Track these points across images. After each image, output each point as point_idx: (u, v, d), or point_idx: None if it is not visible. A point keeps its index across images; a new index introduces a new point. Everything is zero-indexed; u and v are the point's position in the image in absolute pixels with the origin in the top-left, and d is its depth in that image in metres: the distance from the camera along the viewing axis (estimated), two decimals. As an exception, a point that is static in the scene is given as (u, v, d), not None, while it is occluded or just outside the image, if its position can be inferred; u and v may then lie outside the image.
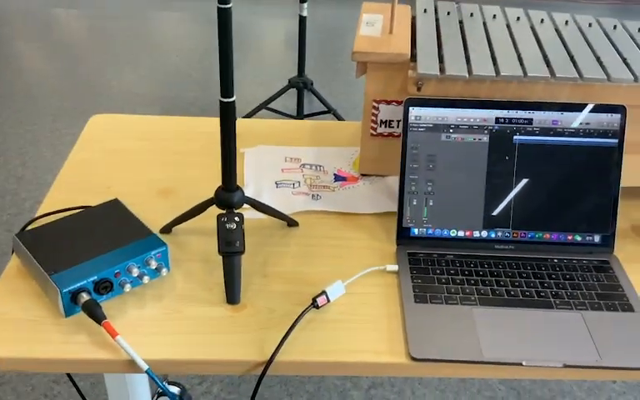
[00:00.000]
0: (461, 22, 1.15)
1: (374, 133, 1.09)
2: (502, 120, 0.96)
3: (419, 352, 0.80)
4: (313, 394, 1.77)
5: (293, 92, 3.00)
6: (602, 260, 0.96)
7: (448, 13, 1.18)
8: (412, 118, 0.96)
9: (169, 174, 1.11)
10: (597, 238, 0.97)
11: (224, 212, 0.88)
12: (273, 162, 1.16)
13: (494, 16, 1.17)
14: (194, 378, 1.79)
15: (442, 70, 1.00)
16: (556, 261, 0.95)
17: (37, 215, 0.99)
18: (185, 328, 0.82)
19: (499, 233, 0.97)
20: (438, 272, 0.92)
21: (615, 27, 1.16)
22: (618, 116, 0.95)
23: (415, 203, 0.97)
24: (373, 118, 1.08)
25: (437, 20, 1.16)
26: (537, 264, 0.94)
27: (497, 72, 0.99)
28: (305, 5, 2.78)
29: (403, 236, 0.97)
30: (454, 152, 0.96)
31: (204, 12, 4.32)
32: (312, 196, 1.07)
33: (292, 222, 1.00)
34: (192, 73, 3.47)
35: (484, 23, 1.15)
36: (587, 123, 0.96)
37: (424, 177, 0.97)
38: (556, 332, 0.84)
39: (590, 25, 1.16)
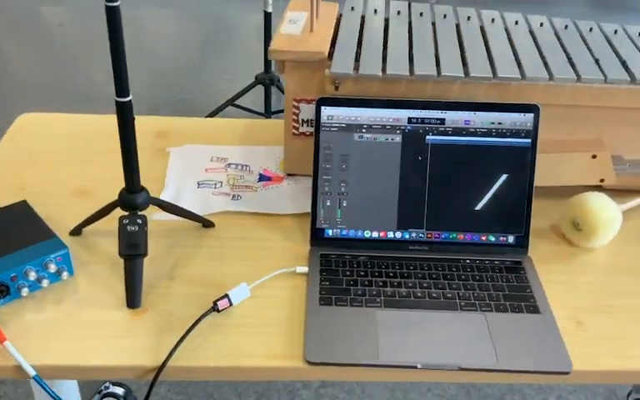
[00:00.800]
0: (387, 20, 1.14)
1: (296, 133, 1.08)
2: (415, 120, 0.95)
3: (315, 355, 0.79)
4: (262, 394, 1.76)
5: (261, 88, 2.99)
6: (514, 261, 0.95)
7: (375, 11, 1.17)
8: (324, 118, 0.95)
9: (87, 174, 1.10)
10: (510, 239, 0.96)
11: (127, 214, 0.87)
12: (198, 161, 1.14)
13: (421, 13, 1.16)
14: (144, 378, 1.78)
15: (356, 69, 0.99)
16: (468, 261, 0.94)
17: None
18: (81, 333, 0.81)
19: (413, 234, 0.96)
20: (348, 273, 0.91)
21: (542, 24, 1.15)
22: (532, 115, 0.95)
23: (329, 204, 0.96)
24: (295, 118, 1.06)
25: (362, 18, 1.15)
26: (449, 265, 0.93)
27: (412, 71, 0.98)
28: (270, 0, 2.76)
29: (317, 237, 0.96)
30: (367, 152, 0.95)
31: (188, 8, 4.30)
32: (233, 196, 1.06)
33: (207, 224, 0.99)
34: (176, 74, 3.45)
35: (409, 22, 1.14)
36: (500, 123, 0.95)
37: (337, 177, 0.96)
38: (456, 334, 0.83)
39: (517, 22, 1.15)
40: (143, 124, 1.22)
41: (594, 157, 1.04)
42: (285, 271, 0.92)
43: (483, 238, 0.96)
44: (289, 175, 1.12)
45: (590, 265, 0.97)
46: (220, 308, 0.84)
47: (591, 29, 1.13)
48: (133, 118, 0.83)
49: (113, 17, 0.76)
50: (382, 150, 0.95)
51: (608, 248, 0.99)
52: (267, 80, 2.93)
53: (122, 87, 0.80)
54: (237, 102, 2.93)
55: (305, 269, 0.92)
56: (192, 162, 1.14)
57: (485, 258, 0.95)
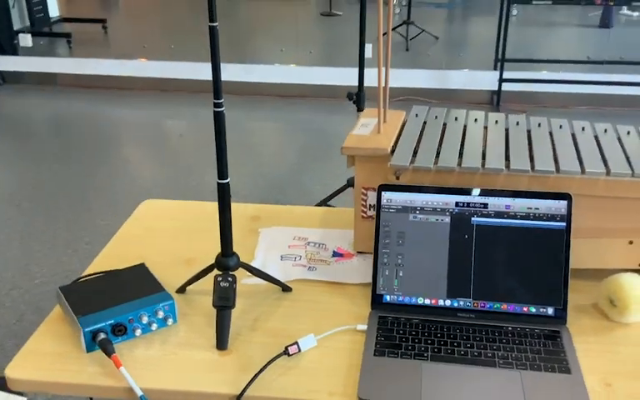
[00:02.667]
0: (445, 125, 1.33)
1: (364, 216, 1.27)
2: (462, 204, 1.11)
3: (366, 392, 0.94)
4: None
5: (351, 190, 3.22)
6: (553, 330, 1.06)
7: (436, 117, 1.36)
8: (384, 201, 1.14)
9: (194, 246, 1.33)
10: (550, 311, 1.08)
11: (220, 273, 1.08)
12: (283, 240, 1.35)
13: (475, 119, 1.34)
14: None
15: (413, 161, 1.18)
16: (510, 328, 1.07)
17: (81, 275, 1.23)
18: (180, 366, 1.01)
19: (461, 302, 1.10)
20: (401, 332, 1.06)
21: (583, 128, 1.29)
22: (565, 202, 1.09)
23: (387, 273, 1.13)
24: (363, 203, 1.26)
25: (424, 123, 1.35)
26: (492, 330, 1.06)
27: (460, 164, 1.16)
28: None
29: (377, 302, 1.13)
30: (420, 230, 1.12)
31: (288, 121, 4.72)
32: (309, 267, 1.25)
33: (285, 288, 1.18)
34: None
35: (465, 126, 1.32)
36: (537, 208, 1.09)
37: (395, 251, 1.13)
38: (492, 387, 0.95)
39: (560, 127, 1.30)
40: (241, 209, 1.46)
41: (631, 242, 1.15)
42: (348, 327, 1.08)
43: (525, 309, 1.09)
44: (359, 252, 1.30)
45: (624, 337, 1.06)
46: (290, 353, 1.01)
47: (629, 132, 1.27)
48: (230, 196, 1.05)
49: (219, 120, 1.00)
50: (433, 229, 1.12)
51: (644, 324, 1.09)
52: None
53: (222, 170, 1.03)
54: (330, 202, 3.17)
55: (364, 327, 1.08)
56: (277, 239, 1.35)
57: (526, 326, 1.07)
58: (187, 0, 8.96)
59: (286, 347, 1.02)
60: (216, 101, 1.01)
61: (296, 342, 1.02)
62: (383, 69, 1.26)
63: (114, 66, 5.41)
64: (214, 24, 0.97)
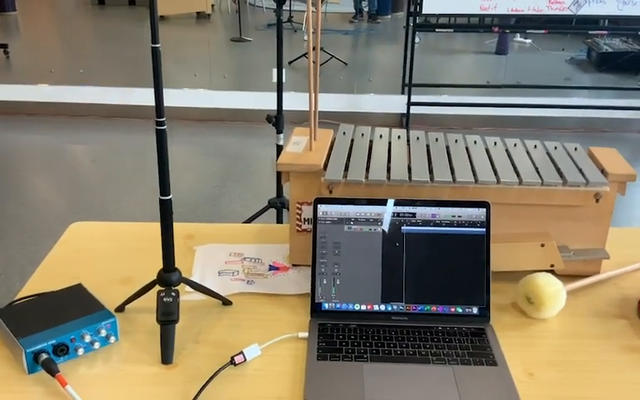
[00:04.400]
0: (371, 142, 1.42)
1: (299, 230, 1.32)
2: (393, 214, 1.19)
3: (312, 396, 0.99)
4: None
5: (273, 211, 3.27)
6: (478, 327, 1.16)
7: (362, 135, 1.44)
8: (320, 213, 1.20)
9: (129, 266, 1.33)
10: (474, 310, 1.17)
11: (164, 288, 1.10)
12: (219, 257, 1.38)
13: (399, 136, 1.43)
14: None
15: (345, 176, 1.24)
16: (440, 328, 1.15)
17: (14, 299, 1.20)
18: (124, 382, 1.02)
19: (394, 307, 1.18)
20: (341, 337, 1.12)
21: (495, 143, 1.42)
22: (484, 209, 1.19)
23: (325, 283, 1.18)
24: (298, 217, 1.31)
25: (352, 141, 1.42)
26: (424, 330, 1.14)
27: (389, 177, 1.24)
28: (281, 135, 3.10)
29: (316, 310, 1.18)
30: (355, 240, 1.19)
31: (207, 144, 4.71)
32: (247, 281, 1.29)
33: (226, 302, 1.21)
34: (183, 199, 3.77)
35: (389, 143, 1.41)
36: (460, 216, 1.19)
37: (332, 260, 1.19)
38: (428, 381, 1.02)
39: (475, 142, 1.42)
40: (175, 229, 1.47)
41: (542, 245, 1.27)
42: (290, 335, 1.13)
43: (452, 309, 1.17)
44: (294, 265, 1.35)
45: (542, 331, 1.17)
46: (236, 362, 1.04)
47: (535, 146, 1.40)
48: (172, 212, 1.08)
49: (161, 138, 1.03)
50: (367, 238, 1.19)
51: (558, 319, 1.20)
52: (279, 203, 3.22)
53: (164, 187, 1.06)
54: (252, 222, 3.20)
55: (306, 334, 1.13)
56: (213, 256, 1.38)
57: (454, 325, 1.15)
58: (90, 25, 8.76)
59: (232, 357, 1.05)
60: (158, 119, 1.03)
61: (241, 352, 1.06)
62: (313, 93, 1.33)
63: (18, 91, 5.21)
64: (157, 46, 1.00)
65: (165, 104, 1.02)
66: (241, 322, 1.18)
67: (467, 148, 1.40)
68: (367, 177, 1.24)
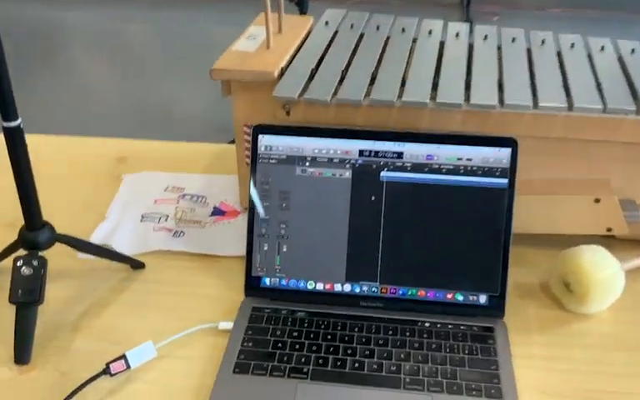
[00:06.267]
0: (362, 36, 1.00)
1: (250, 163, 0.95)
2: (367, 153, 0.80)
3: (208, 439, 0.66)
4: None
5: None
6: (485, 327, 0.78)
7: (352, 26, 1.02)
8: (261, 148, 0.82)
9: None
10: (482, 299, 0.80)
11: (25, 254, 0.77)
12: (151, 191, 1.04)
13: (403, 29, 1.01)
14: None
15: (303, 92, 0.85)
16: (427, 325, 0.78)
17: None
18: (-42, 391, 0.72)
19: (364, 288, 0.81)
20: (279, 333, 0.78)
21: (544, 41, 0.97)
22: (508, 150, 0.78)
23: (266, 249, 0.83)
24: (247, 146, 0.94)
25: (335, 33, 1.01)
26: (402, 328, 0.78)
27: (368, 94, 0.84)
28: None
29: (253, 286, 0.83)
30: (311, 189, 0.81)
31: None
32: (175, 233, 0.95)
33: (136, 265, 0.88)
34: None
35: (388, 38, 0.99)
36: (469, 159, 0.79)
37: (277, 218, 0.82)
38: (390, 422, 0.68)
39: (513, 40, 0.97)
40: (99, 146, 1.14)
41: (597, 200, 0.85)
42: (208, 326, 0.79)
43: (449, 297, 0.80)
44: (247, 210, 1.00)
45: (580, 336, 0.78)
46: (113, 372, 0.72)
47: (602, 48, 0.95)
48: (25, 145, 0.73)
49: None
50: (328, 187, 0.81)
51: (608, 315, 0.81)
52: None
53: (6, 110, 0.70)
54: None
55: (229, 325, 0.79)
56: (143, 190, 1.03)
57: (449, 322, 0.79)
58: None
59: (107, 364, 0.72)
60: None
61: (123, 356, 0.73)
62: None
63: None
64: None
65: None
66: (149, 297, 0.84)
67: (499, 47, 0.96)
68: (335, 95, 0.85)
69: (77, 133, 1.21)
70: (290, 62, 0.92)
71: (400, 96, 0.83)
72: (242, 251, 0.90)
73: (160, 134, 1.28)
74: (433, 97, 0.83)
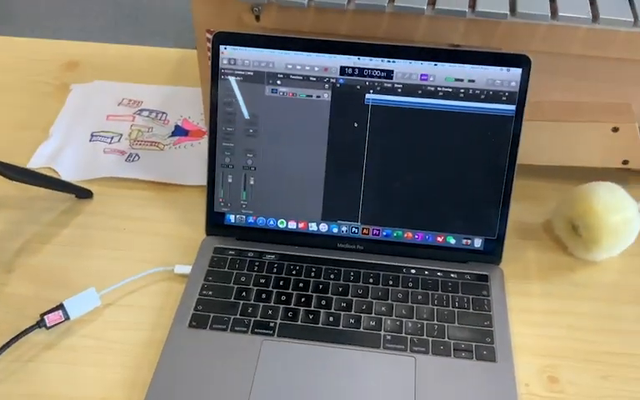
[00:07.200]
0: None
1: (216, 75, 0.82)
2: (351, 71, 0.67)
3: (155, 408, 0.57)
4: None
5: None
6: (479, 274, 0.68)
7: None
8: (223, 61, 0.69)
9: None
10: (477, 243, 0.69)
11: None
12: (103, 104, 0.91)
13: None
14: None
15: (277, -7, 0.71)
16: (413, 272, 0.68)
17: None
18: None
19: (343, 228, 0.71)
20: (243, 279, 0.67)
21: None
22: (518, 71, 0.66)
23: (231, 181, 0.71)
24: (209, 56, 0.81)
25: None
26: (384, 275, 0.68)
27: (353, -2, 0.70)
28: None
29: (215, 224, 0.72)
30: (283, 112, 0.69)
31: None
32: (129, 156, 0.83)
33: (82, 194, 0.77)
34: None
35: None
36: (471, 80, 0.66)
37: (243, 145, 0.70)
38: (367, 386, 0.59)
39: None
40: (46, 48, 0.99)
41: (616, 130, 0.74)
42: (161, 269, 0.69)
43: (439, 239, 0.70)
44: (213, 128, 0.88)
45: (586, 287, 0.69)
46: (49, 324, 0.62)
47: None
48: None
49: None
50: (303, 110, 0.69)
51: (618, 263, 0.71)
52: None
53: None
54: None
55: (187, 269, 0.68)
56: (94, 104, 0.90)
57: (438, 269, 0.69)
58: None
59: (42, 316, 0.62)
60: None
61: (61, 306, 0.63)
62: None
63: None
64: None
65: None
66: (95, 232, 0.73)
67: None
68: (313, -2, 0.71)
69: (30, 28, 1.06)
70: (262, -46, 0.78)
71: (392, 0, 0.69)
72: (204, 180, 0.79)
73: (128, 30, 1.12)
74: (432, 3, 0.69)
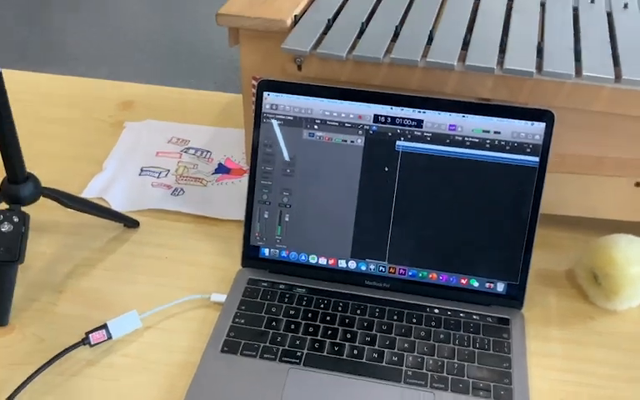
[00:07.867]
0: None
1: (258, 119, 0.88)
2: (383, 119, 0.72)
3: (187, 426, 0.61)
4: None
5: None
6: (500, 318, 0.71)
7: (378, -30, 0.93)
8: (266, 106, 0.75)
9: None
10: (500, 287, 0.72)
11: (6, 208, 0.72)
12: (154, 141, 0.97)
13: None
14: None
15: (319, 45, 0.77)
16: (436, 311, 0.71)
17: None
18: None
19: (371, 266, 0.74)
20: (274, 310, 0.72)
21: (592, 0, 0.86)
22: (542, 125, 0.69)
23: (267, 217, 0.76)
24: (254, 100, 0.86)
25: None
26: (408, 313, 0.71)
27: (389, 51, 0.75)
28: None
29: (251, 256, 0.77)
30: (319, 155, 0.74)
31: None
32: (174, 190, 0.88)
33: (130, 223, 0.82)
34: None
35: (414, -12, 0.89)
36: (497, 132, 0.70)
37: (280, 184, 0.75)
38: (387, 421, 0.62)
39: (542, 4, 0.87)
40: (103, 89, 1.07)
41: (638, 184, 0.76)
42: (198, 297, 0.74)
43: (463, 281, 0.73)
44: (253, 168, 0.93)
45: (606, 335, 0.71)
46: (93, 342, 0.67)
47: (660, 8, 0.84)
48: (5, 91, 0.67)
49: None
50: (338, 154, 0.74)
51: (638, 313, 0.73)
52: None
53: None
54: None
55: (222, 298, 0.73)
56: (145, 140, 0.97)
57: (461, 310, 0.72)
58: None
59: (87, 334, 0.67)
60: None
61: (104, 326, 0.68)
62: None
63: None
64: None
65: None
66: (140, 260, 0.79)
67: (542, 4, 0.86)
68: (352, 51, 0.76)
69: (90, 68, 1.14)
70: (305, 10, 0.84)
71: (425, 55, 0.74)
72: (243, 216, 0.84)
73: (181, 73, 1.20)
74: (462, 59, 0.74)
